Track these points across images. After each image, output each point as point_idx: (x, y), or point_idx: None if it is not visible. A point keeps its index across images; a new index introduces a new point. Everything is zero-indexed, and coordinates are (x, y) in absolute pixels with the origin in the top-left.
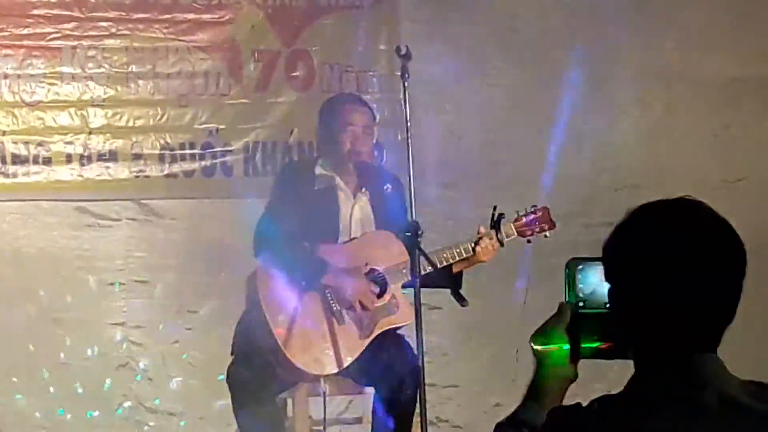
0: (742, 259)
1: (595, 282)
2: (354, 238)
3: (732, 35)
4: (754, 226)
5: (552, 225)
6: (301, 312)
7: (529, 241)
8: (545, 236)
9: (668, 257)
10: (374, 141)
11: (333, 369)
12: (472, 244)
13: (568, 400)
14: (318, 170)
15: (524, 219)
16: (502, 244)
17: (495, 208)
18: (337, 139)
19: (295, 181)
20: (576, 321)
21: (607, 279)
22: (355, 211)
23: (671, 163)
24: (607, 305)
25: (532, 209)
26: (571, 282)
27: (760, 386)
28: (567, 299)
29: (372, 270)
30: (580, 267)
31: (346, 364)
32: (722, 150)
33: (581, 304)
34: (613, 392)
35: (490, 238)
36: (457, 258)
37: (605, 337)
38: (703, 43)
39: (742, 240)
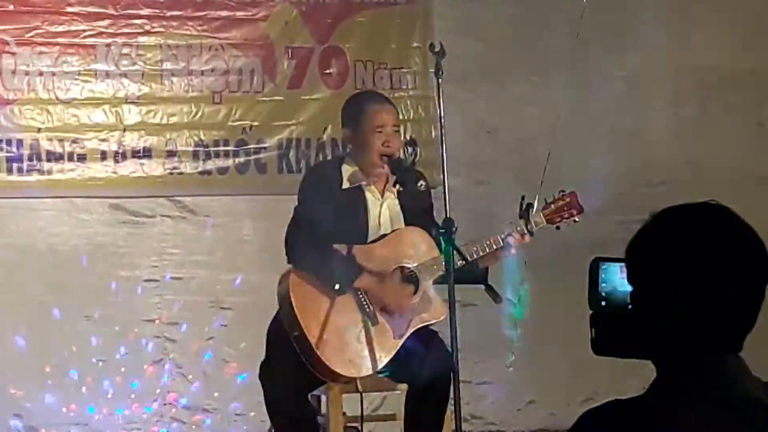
0: (765, 263)
1: (617, 281)
2: (384, 235)
3: (766, 30)
4: None
5: (581, 210)
6: (334, 314)
7: (558, 228)
8: (574, 221)
9: (691, 261)
10: (402, 137)
11: (368, 371)
12: (503, 236)
13: (603, 396)
14: (344, 170)
15: (552, 206)
16: (531, 233)
17: (523, 198)
18: (369, 141)
19: (322, 182)
20: (598, 318)
21: (630, 281)
22: (384, 210)
23: (705, 159)
24: (629, 305)
25: (561, 195)
26: (594, 281)
27: None
28: (589, 298)
29: (403, 268)
30: (604, 266)
31: (381, 366)
32: (756, 146)
33: (603, 303)
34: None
35: (520, 230)
36: (488, 250)
37: (626, 337)
38: (737, 38)
39: None
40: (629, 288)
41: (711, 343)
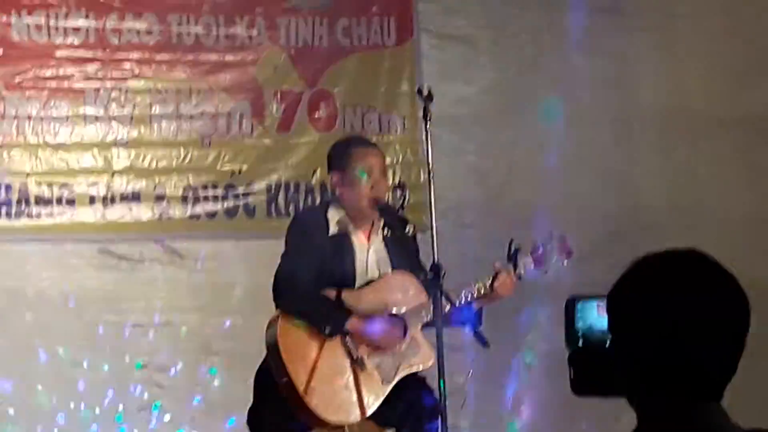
0: (746, 312)
1: (594, 318)
2: (371, 281)
3: (756, 74)
4: None
5: (570, 253)
6: (322, 361)
7: (546, 272)
8: (563, 264)
9: (670, 309)
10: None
11: (356, 418)
12: (489, 281)
13: None
14: (330, 215)
15: (541, 250)
16: (519, 277)
17: (511, 241)
18: (357, 185)
19: (308, 229)
20: (576, 357)
21: (610, 329)
22: (371, 254)
23: (695, 203)
24: (607, 343)
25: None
26: (570, 320)
27: None
28: (566, 337)
29: (392, 314)
30: (579, 305)
31: (369, 412)
32: (746, 190)
33: (580, 342)
34: None
35: (507, 273)
36: (475, 295)
37: (606, 374)
38: (727, 82)
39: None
40: (605, 324)
41: (691, 391)
